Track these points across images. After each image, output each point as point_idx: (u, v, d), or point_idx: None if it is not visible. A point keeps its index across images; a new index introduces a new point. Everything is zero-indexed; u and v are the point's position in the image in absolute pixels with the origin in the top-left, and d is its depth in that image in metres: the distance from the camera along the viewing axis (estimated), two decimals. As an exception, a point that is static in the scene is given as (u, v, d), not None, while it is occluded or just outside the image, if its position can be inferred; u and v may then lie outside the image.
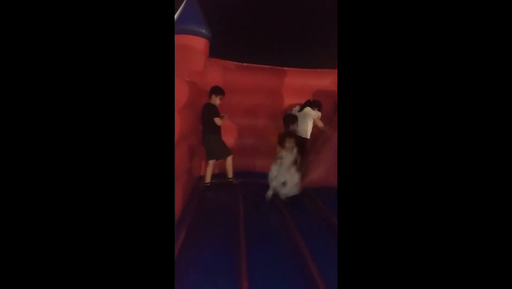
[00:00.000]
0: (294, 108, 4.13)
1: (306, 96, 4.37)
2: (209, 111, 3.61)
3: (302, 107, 4.00)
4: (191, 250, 2.11)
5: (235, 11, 4.96)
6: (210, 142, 3.64)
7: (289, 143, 3.36)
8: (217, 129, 3.67)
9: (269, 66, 4.48)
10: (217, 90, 3.71)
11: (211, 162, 3.69)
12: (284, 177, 3.29)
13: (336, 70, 4.65)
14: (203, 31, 3.95)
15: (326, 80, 4.46)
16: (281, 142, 3.42)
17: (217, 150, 3.66)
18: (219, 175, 3.86)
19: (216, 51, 4.27)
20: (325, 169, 3.30)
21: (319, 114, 3.93)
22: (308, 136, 3.93)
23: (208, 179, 3.67)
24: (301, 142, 3.75)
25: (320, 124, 3.89)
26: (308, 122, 3.90)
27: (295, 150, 3.39)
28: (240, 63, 4.40)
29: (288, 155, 3.36)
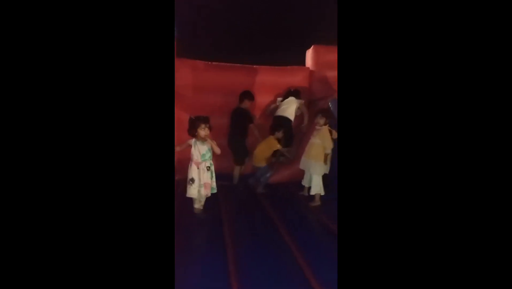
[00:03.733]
0: (278, 99, 4.18)
1: (278, 93, 4.34)
2: (243, 116, 3.69)
3: (285, 97, 4.08)
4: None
5: (204, 10, 4.85)
6: (237, 146, 3.69)
7: (203, 130, 2.72)
8: (245, 134, 3.74)
9: (239, 65, 4.40)
10: (249, 95, 3.80)
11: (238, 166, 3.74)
12: (191, 174, 2.75)
13: (306, 67, 4.70)
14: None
15: (297, 77, 4.47)
16: (191, 129, 2.74)
17: (243, 156, 3.70)
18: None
19: (185, 51, 4.13)
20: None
21: (303, 101, 4.09)
22: (293, 120, 4.00)
23: (235, 180, 3.73)
24: (287, 128, 3.78)
25: (306, 109, 4.03)
26: (293, 109, 3.99)
27: (208, 140, 2.78)
28: (210, 62, 4.28)
29: (199, 147, 2.76)
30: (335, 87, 4.17)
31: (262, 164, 3.49)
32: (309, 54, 4.73)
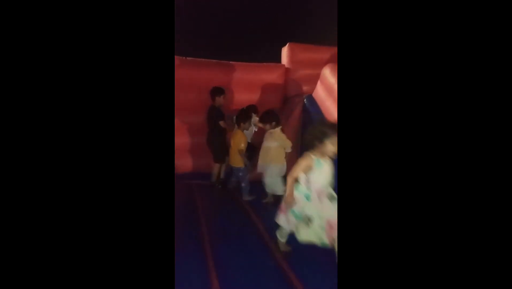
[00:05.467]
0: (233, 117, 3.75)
1: (255, 90, 4.35)
2: (214, 114, 3.58)
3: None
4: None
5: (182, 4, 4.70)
6: (215, 144, 3.62)
7: (333, 142, 1.76)
8: (222, 132, 3.62)
9: (215, 61, 4.33)
10: (218, 91, 3.65)
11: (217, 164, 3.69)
12: (313, 209, 1.88)
13: (282, 64, 4.74)
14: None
15: (273, 74, 4.49)
16: (314, 141, 1.83)
17: (221, 153, 3.62)
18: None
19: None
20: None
21: (257, 118, 3.69)
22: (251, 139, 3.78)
23: (214, 179, 3.70)
24: (250, 150, 3.56)
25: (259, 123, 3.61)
26: (251, 129, 3.75)
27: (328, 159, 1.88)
28: (184, 58, 4.17)
29: (322, 167, 1.86)
30: (310, 84, 4.26)
31: (240, 164, 3.28)
32: (285, 51, 4.78)
